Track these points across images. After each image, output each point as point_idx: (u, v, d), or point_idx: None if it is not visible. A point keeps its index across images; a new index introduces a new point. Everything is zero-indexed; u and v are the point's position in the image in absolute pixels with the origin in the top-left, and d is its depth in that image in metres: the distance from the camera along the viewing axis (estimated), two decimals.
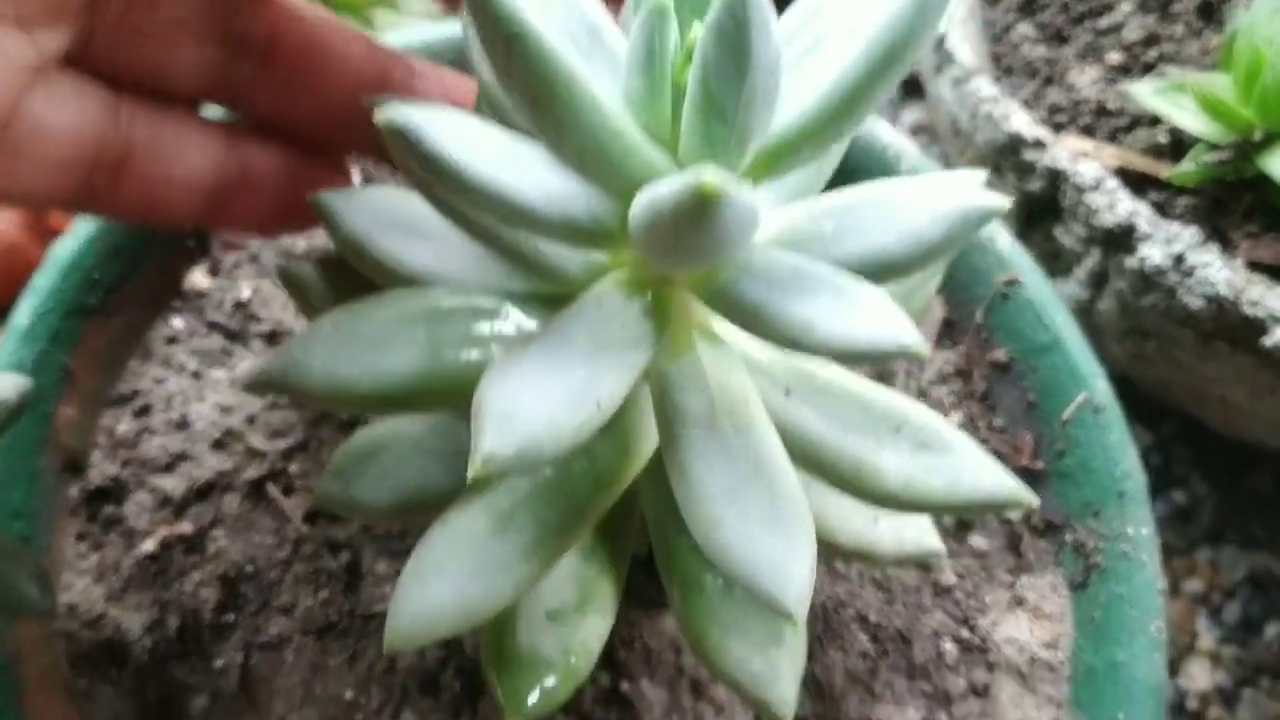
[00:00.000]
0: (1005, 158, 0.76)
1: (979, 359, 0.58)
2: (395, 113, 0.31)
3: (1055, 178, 0.72)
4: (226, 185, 0.45)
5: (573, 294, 0.41)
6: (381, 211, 0.45)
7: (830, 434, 0.41)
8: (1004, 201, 0.38)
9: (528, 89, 0.30)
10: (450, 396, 0.39)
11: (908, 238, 0.37)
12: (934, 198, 0.38)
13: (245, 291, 0.58)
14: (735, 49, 0.29)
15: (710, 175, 0.26)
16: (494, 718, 0.50)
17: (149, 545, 0.53)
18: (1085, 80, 0.85)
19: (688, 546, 0.42)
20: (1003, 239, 0.59)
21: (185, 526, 0.53)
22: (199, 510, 0.54)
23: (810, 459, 0.41)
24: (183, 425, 0.55)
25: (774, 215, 0.39)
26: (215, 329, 0.58)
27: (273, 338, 0.57)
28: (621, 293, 0.37)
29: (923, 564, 0.55)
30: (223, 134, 0.45)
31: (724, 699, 0.51)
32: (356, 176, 0.46)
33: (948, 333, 0.60)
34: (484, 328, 0.40)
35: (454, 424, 0.43)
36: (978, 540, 0.55)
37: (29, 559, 0.48)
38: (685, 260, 0.30)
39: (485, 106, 0.43)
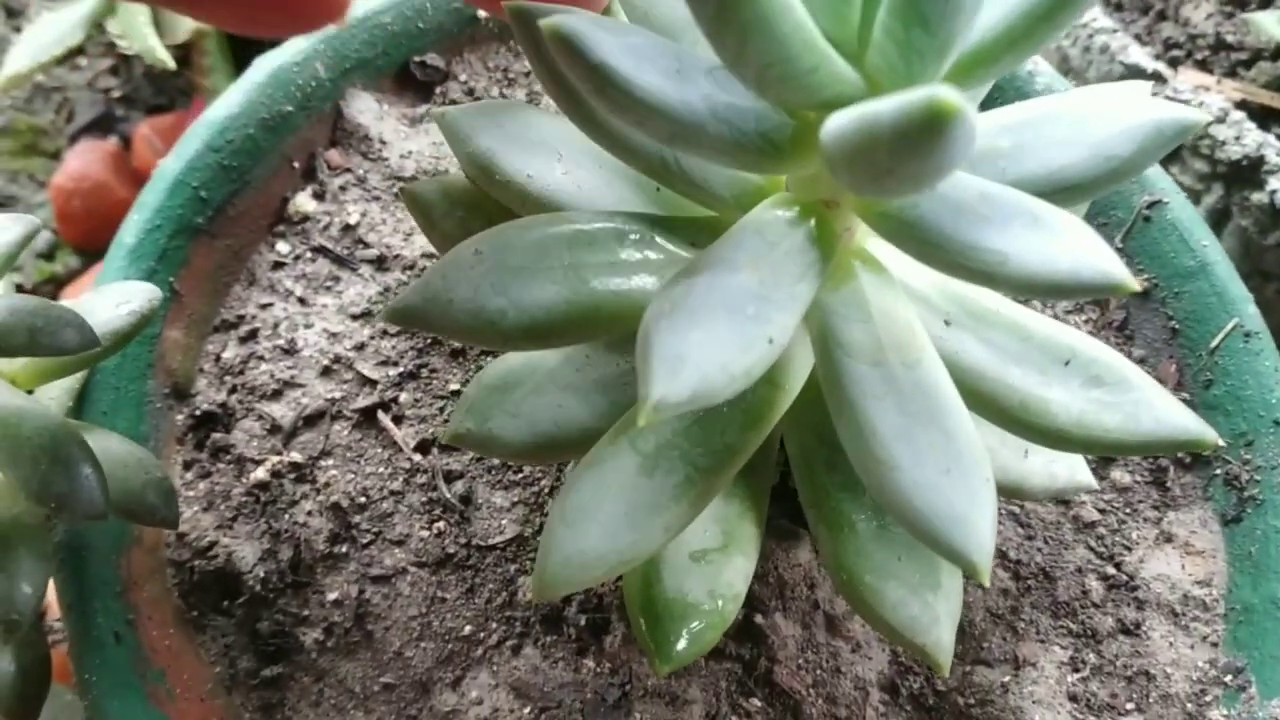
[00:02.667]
0: None
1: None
2: (561, 21, 0.29)
3: None
4: None
5: (722, 218, 0.39)
6: (510, 129, 0.43)
7: (994, 366, 0.38)
8: (1203, 114, 0.35)
9: None
10: (596, 329, 0.36)
11: (1096, 155, 0.35)
12: (1123, 110, 0.35)
13: (353, 215, 0.55)
14: None
15: (945, 92, 0.23)
16: (622, 655, 0.48)
17: (259, 474, 0.51)
18: (1200, 14, 0.81)
19: (837, 484, 0.40)
20: None
21: (295, 455, 0.52)
22: (308, 439, 0.52)
23: (971, 393, 0.38)
24: (290, 351, 0.54)
25: None
26: (322, 254, 0.55)
27: (381, 263, 0.55)
28: (783, 219, 0.35)
29: (1064, 499, 0.53)
30: None
31: (860, 635, 0.49)
32: None
33: None
34: (631, 254, 0.37)
35: (590, 355, 0.41)
36: (1119, 475, 0.53)
37: (154, 468, 0.46)
38: (893, 187, 0.27)
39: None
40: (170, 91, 0.83)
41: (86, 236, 0.81)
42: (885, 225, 0.33)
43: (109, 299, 0.47)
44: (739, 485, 0.43)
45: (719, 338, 0.31)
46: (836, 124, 0.28)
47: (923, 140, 0.24)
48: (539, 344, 0.37)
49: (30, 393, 0.47)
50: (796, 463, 0.41)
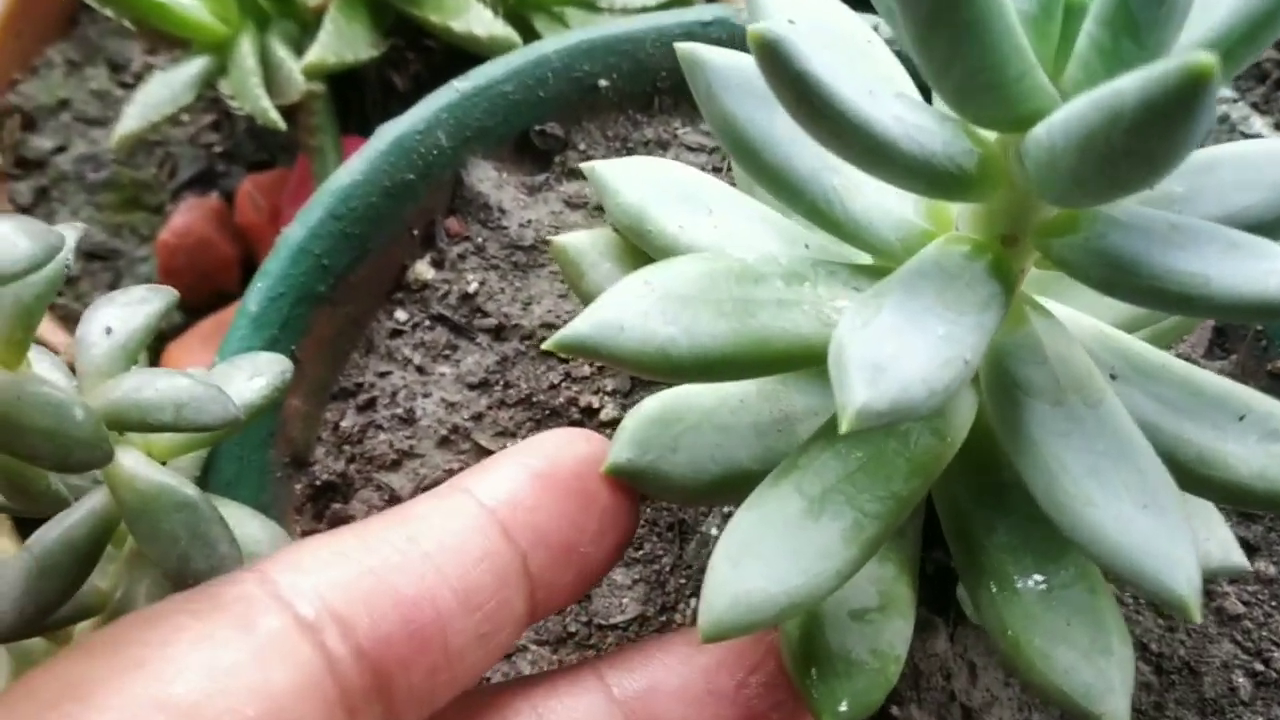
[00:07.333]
0: None
1: (1255, 370, 0.54)
2: (768, 28, 0.28)
3: None
4: None
5: (883, 265, 0.38)
6: (658, 181, 0.42)
7: (1166, 420, 0.37)
8: None
9: None
10: (764, 363, 0.36)
11: (1275, 196, 0.34)
12: None
13: (471, 284, 0.55)
14: None
15: (1201, 54, 0.22)
16: None
17: None
18: None
19: (998, 546, 0.39)
20: None
21: None
22: None
23: None
24: (408, 421, 0.53)
25: None
26: (440, 322, 0.55)
27: (499, 332, 0.54)
28: (961, 253, 0.34)
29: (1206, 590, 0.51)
30: None
31: None
32: None
33: (1219, 341, 0.55)
34: (796, 292, 0.36)
35: (743, 400, 0.40)
36: (1263, 566, 0.51)
37: (285, 544, 0.45)
38: (1122, 177, 0.27)
39: None
40: (272, 148, 0.84)
41: (189, 292, 0.81)
42: (1069, 256, 0.32)
43: (241, 371, 0.47)
44: (891, 551, 0.41)
45: (916, 353, 0.30)
46: (1046, 127, 0.27)
47: (1175, 109, 0.23)
48: (707, 377, 0.36)
49: (163, 464, 0.46)
50: (950, 527, 0.40)
